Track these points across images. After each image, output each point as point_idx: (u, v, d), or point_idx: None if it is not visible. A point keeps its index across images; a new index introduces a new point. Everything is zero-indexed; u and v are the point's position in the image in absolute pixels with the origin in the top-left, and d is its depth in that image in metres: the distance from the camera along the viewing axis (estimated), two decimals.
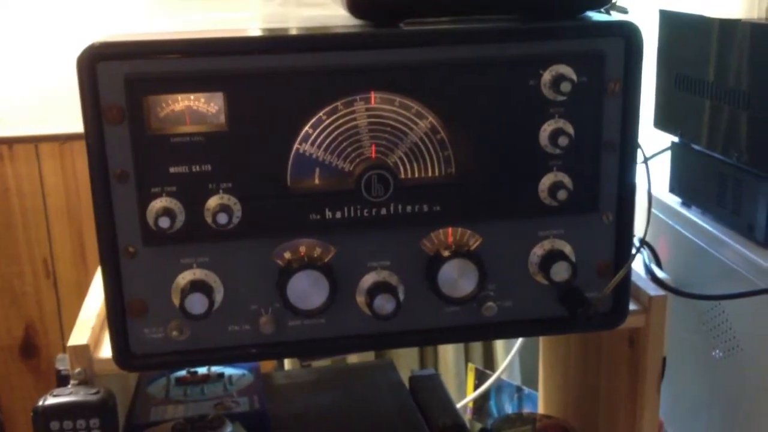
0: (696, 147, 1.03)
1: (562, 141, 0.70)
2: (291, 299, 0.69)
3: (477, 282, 0.71)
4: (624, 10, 0.78)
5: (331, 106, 0.68)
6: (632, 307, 0.80)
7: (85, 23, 1.49)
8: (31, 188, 1.57)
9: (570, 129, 0.70)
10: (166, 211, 0.67)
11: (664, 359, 0.84)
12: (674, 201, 1.08)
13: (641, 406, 0.84)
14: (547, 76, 0.69)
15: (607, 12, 0.76)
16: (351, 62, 0.68)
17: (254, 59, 0.67)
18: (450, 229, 0.72)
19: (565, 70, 0.69)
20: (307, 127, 0.68)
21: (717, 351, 0.98)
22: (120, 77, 0.65)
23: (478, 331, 0.76)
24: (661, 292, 0.82)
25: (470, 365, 1.55)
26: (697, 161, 1.03)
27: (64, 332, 1.61)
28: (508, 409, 1.43)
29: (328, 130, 0.68)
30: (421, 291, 0.73)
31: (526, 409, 1.41)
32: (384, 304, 0.70)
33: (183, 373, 0.99)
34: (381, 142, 0.69)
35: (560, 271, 0.72)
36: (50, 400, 0.70)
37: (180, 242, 0.69)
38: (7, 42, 1.52)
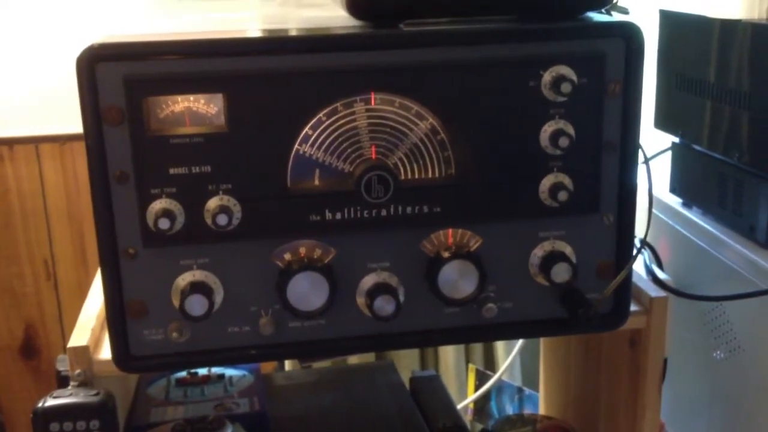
0: (697, 147, 1.03)
1: (563, 142, 0.69)
2: (291, 300, 0.69)
3: (477, 283, 0.71)
4: (625, 11, 0.78)
5: (331, 107, 0.68)
6: (633, 308, 0.79)
7: (86, 23, 1.49)
8: (31, 189, 1.57)
9: (570, 130, 0.70)
10: (166, 213, 0.67)
11: (666, 360, 0.84)
12: (675, 201, 1.08)
13: (642, 407, 0.84)
14: (547, 76, 0.69)
15: (608, 12, 0.76)
16: (351, 63, 0.67)
17: (254, 60, 0.66)
18: (450, 230, 0.72)
19: (566, 70, 0.69)
20: (307, 128, 0.68)
21: (718, 352, 0.98)
22: (119, 78, 0.64)
23: (478, 332, 0.76)
24: (662, 293, 0.82)
25: (471, 366, 1.54)
26: (698, 162, 1.03)
27: (65, 333, 1.61)
28: (509, 410, 1.43)
29: (328, 131, 0.68)
30: (421, 292, 0.72)
31: (527, 410, 1.41)
32: (384, 305, 0.70)
33: (183, 374, 0.99)
34: (381, 143, 0.69)
35: (561, 272, 0.72)
36: (50, 402, 0.70)
37: (180, 243, 0.69)
38: (7, 42, 1.53)
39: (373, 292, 0.70)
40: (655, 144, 1.12)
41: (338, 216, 0.70)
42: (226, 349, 0.72)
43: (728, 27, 0.94)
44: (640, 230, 0.78)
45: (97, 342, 0.77)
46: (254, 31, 0.75)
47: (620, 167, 0.73)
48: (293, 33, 0.72)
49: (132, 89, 0.65)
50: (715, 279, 0.97)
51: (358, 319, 0.72)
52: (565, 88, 0.68)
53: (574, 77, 0.69)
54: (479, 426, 1.43)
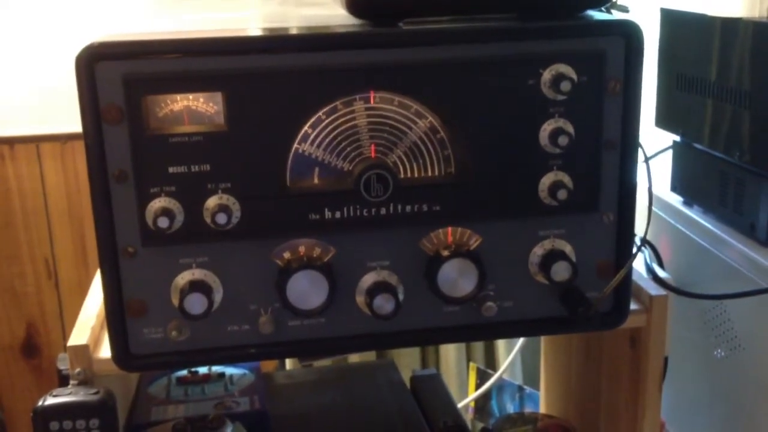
0: (697, 146, 1.03)
1: (562, 140, 0.69)
2: (290, 299, 0.69)
3: (477, 282, 0.71)
4: (625, 9, 0.78)
5: (330, 106, 0.68)
6: (633, 306, 0.79)
7: (86, 23, 1.49)
8: (32, 188, 1.57)
9: (570, 128, 0.70)
10: (165, 211, 0.67)
11: (666, 359, 0.84)
12: (676, 200, 1.08)
13: (643, 405, 0.84)
14: (547, 75, 0.69)
15: (608, 11, 0.76)
16: (350, 62, 0.67)
17: (253, 59, 0.66)
18: (450, 229, 0.72)
19: (565, 69, 0.69)
20: (306, 127, 0.68)
21: (719, 350, 0.98)
22: (118, 77, 0.65)
23: (478, 330, 0.76)
24: (662, 291, 0.82)
25: (472, 365, 1.54)
26: (699, 160, 1.03)
27: (66, 332, 1.61)
28: (510, 408, 1.43)
29: (328, 129, 0.68)
30: (420, 291, 0.72)
31: (528, 409, 1.41)
32: (383, 303, 0.70)
33: (184, 373, 0.99)
34: (380, 142, 0.69)
35: (560, 271, 0.72)
36: (50, 401, 0.70)
37: (179, 242, 0.69)
38: (7, 42, 1.53)
39: (373, 291, 0.70)
40: (656, 143, 1.12)
41: (337, 215, 0.70)
42: (225, 348, 0.72)
43: (729, 26, 0.94)
44: (640, 229, 0.78)
45: (97, 341, 0.77)
46: (253, 29, 0.75)
47: (620, 166, 0.72)
48: (292, 32, 0.72)
49: (131, 88, 0.65)
50: (715, 277, 0.97)
51: (358, 318, 0.72)
52: (565, 86, 0.68)
53: (574, 76, 0.69)
54: (480, 424, 1.43)
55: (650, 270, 0.90)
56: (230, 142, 0.67)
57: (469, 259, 0.71)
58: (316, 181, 0.69)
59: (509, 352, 1.54)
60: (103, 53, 0.64)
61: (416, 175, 0.70)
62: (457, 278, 0.71)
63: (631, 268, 0.75)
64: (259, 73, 0.66)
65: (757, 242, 0.92)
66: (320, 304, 0.70)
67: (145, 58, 0.65)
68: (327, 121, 0.68)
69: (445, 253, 0.71)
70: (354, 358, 1.49)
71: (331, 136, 0.68)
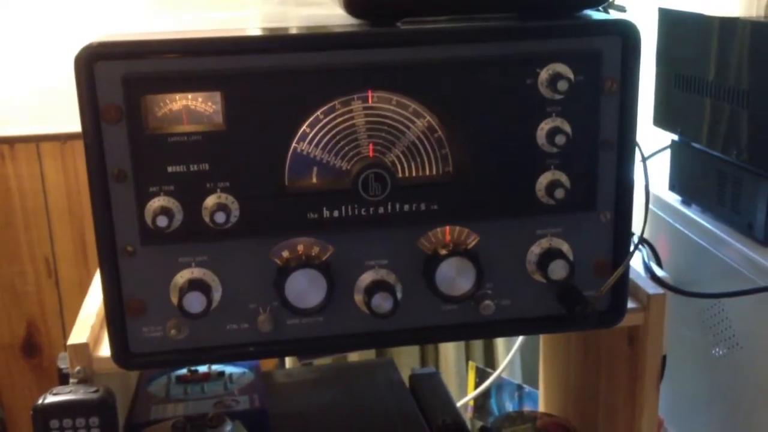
0: (696, 145, 1.03)
1: (560, 140, 0.70)
2: (289, 298, 0.70)
3: (474, 280, 0.72)
4: (622, 9, 0.78)
5: (328, 105, 0.68)
6: (631, 305, 0.80)
7: (87, 22, 1.49)
8: (32, 188, 1.57)
9: (567, 128, 0.70)
10: (164, 210, 0.67)
11: (664, 357, 0.84)
12: (674, 199, 1.08)
13: (640, 404, 0.84)
14: (544, 74, 0.69)
15: (605, 10, 0.76)
16: (348, 61, 0.68)
17: (252, 58, 0.67)
18: (447, 228, 0.72)
19: (562, 68, 0.69)
20: (304, 126, 0.68)
21: (717, 349, 0.98)
22: (117, 77, 0.65)
23: (475, 329, 0.76)
24: (659, 290, 0.82)
25: (471, 363, 1.54)
26: (697, 159, 1.03)
27: (66, 331, 1.62)
28: (509, 407, 1.43)
29: (326, 129, 0.69)
30: (418, 289, 0.73)
31: (527, 408, 1.41)
32: (382, 302, 0.70)
33: (183, 371, 0.99)
34: (378, 141, 0.69)
35: (558, 270, 0.72)
36: (50, 399, 0.70)
37: (178, 241, 0.69)
38: (7, 42, 1.53)
39: (371, 290, 0.71)
40: (655, 142, 1.12)
41: (336, 214, 0.70)
42: (224, 346, 0.72)
43: (727, 25, 0.94)
44: (638, 228, 0.78)
45: (96, 339, 0.77)
46: (252, 29, 0.75)
47: (617, 165, 0.73)
48: (291, 31, 0.72)
49: (130, 87, 0.65)
50: (714, 276, 0.97)
51: (356, 317, 0.73)
52: (562, 85, 0.68)
53: (571, 75, 0.69)
54: (479, 423, 1.43)
55: (648, 269, 0.91)
56: (229, 142, 0.67)
57: (466, 258, 0.71)
58: (314, 180, 0.70)
59: (508, 351, 1.54)
60: (102, 53, 0.64)
61: (414, 174, 0.71)
62: (455, 277, 0.71)
63: (628, 267, 0.75)
64: (258, 73, 0.67)
65: (755, 241, 0.92)
66: (318, 303, 0.70)
67: (144, 58, 0.65)
68: (325, 121, 0.68)
69: (443, 251, 0.71)
70: (353, 356, 1.50)
71: (330, 135, 0.69)
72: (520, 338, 1.29)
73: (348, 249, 0.71)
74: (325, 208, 0.70)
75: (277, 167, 0.69)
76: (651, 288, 0.82)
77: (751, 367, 0.91)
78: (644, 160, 0.76)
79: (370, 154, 0.70)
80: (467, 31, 0.69)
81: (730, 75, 0.93)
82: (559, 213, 0.73)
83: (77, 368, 0.74)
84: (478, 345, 1.71)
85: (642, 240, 0.84)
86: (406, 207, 0.71)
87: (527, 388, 1.44)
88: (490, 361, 1.71)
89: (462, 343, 1.67)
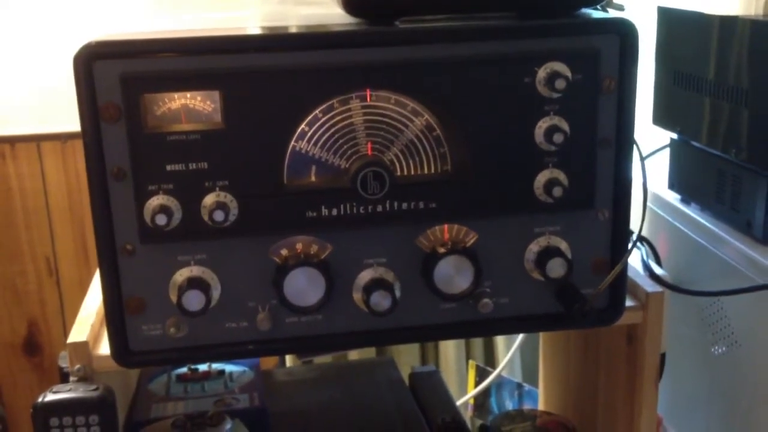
0: (695, 144, 1.03)
1: (558, 138, 0.70)
2: (288, 296, 0.70)
3: (473, 279, 0.72)
4: (620, 8, 0.79)
5: (326, 104, 0.68)
6: (630, 303, 0.80)
7: (87, 22, 1.49)
8: (33, 187, 1.58)
9: (565, 126, 0.70)
10: (163, 209, 0.67)
11: (663, 356, 0.84)
12: (674, 198, 1.08)
13: (639, 402, 0.84)
14: (542, 73, 0.69)
15: (604, 9, 0.76)
16: (347, 60, 0.68)
17: (250, 57, 0.67)
18: (446, 226, 0.72)
19: (560, 67, 0.69)
20: (303, 125, 0.68)
21: (716, 347, 0.98)
22: (116, 76, 0.65)
23: (474, 327, 0.76)
24: (658, 288, 0.82)
25: (471, 362, 1.55)
26: (697, 158, 1.03)
27: (67, 330, 1.62)
28: (509, 405, 1.43)
29: (324, 127, 0.69)
30: (417, 288, 0.73)
31: (527, 406, 1.41)
32: (380, 300, 0.70)
33: (184, 370, 1.00)
34: (377, 140, 0.70)
35: (556, 268, 0.73)
36: (49, 397, 0.71)
37: (177, 240, 0.69)
38: (8, 41, 1.53)
39: (370, 288, 0.71)
40: (654, 140, 1.12)
41: (334, 212, 0.70)
42: (223, 344, 0.73)
43: (727, 24, 0.94)
44: (637, 226, 0.78)
45: (96, 337, 0.77)
46: (251, 28, 0.75)
47: (615, 163, 0.73)
48: (289, 30, 0.73)
49: (129, 86, 0.65)
50: (713, 275, 0.97)
51: (355, 315, 0.73)
52: (560, 84, 0.68)
53: (569, 73, 0.69)
54: (479, 422, 1.43)
55: (647, 267, 0.91)
56: (227, 140, 0.68)
57: (465, 256, 0.71)
58: (313, 178, 0.70)
59: (508, 350, 1.54)
60: (100, 52, 0.65)
61: (412, 172, 0.71)
62: (454, 275, 0.72)
63: (626, 265, 0.76)
64: (256, 72, 0.67)
65: (754, 239, 0.92)
66: (317, 301, 0.70)
67: (142, 57, 0.65)
68: (324, 120, 0.69)
69: (442, 250, 0.71)
70: (353, 355, 1.50)
71: (328, 134, 0.69)
72: (520, 337, 1.29)
73: (347, 247, 0.71)
74: (323, 207, 0.70)
75: (276, 166, 0.69)
76: (650, 286, 0.82)
77: (750, 366, 0.92)
78: (642, 158, 0.76)
79: (369, 152, 0.70)
80: (465, 30, 0.69)
81: (730, 74, 0.94)
82: (558, 211, 0.73)
83: (77, 366, 0.74)
84: (478, 343, 1.71)
85: (640, 238, 0.84)
86: (405, 205, 0.71)
87: (527, 386, 1.44)
88: (490, 359, 1.71)
89: (462, 342, 1.68)
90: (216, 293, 0.70)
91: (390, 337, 0.77)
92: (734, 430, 0.96)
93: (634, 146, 0.74)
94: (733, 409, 0.96)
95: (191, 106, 0.67)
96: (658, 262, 0.99)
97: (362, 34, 0.69)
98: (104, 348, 0.75)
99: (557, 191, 0.71)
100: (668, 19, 1.07)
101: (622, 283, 0.76)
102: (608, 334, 0.90)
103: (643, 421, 0.85)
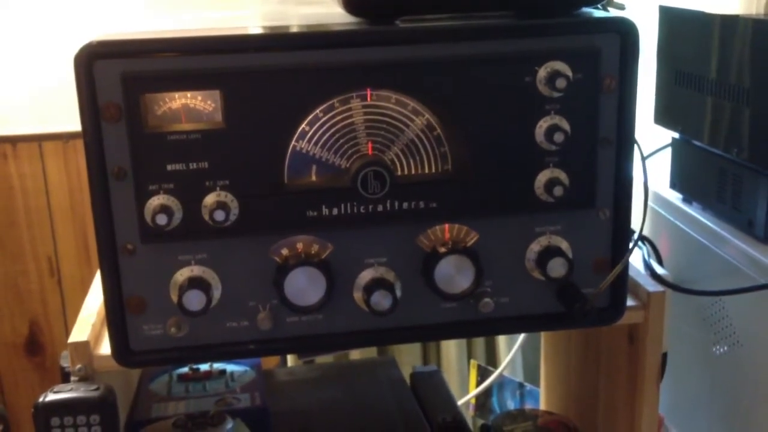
0: (696, 143, 1.03)
1: (558, 137, 0.70)
2: (288, 296, 0.70)
3: (473, 278, 0.72)
4: (621, 7, 0.79)
5: (327, 104, 0.68)
6: (631, 303, 0.80)
7: (88, 21, 1.49)
8: (34, 187, 1.58)
9: (566, 125, 0.70)
10: (164, 209, 0.67)
11: (665, 355, 0.84)
12: (675, 197, 1.08)
13: (641, 401, 0.84)
14: (542, 72, 0.69)
15: (604, 8, 0.76)
16: (347, 59, 0.68)
17: (251, 57, 0.67)
18: (446, 226, 0.72)
19: (561, 66, 0.69)
20: (303, 125, 0.68)
21: (717, 347, 0.98)
22: (117, 75, 0.65)
23: (475, 327, 0.76)
24: (659, 287, 0.82)
25: (473, 362, 1.55)
26: (698, 157, 1.03)
27: (69, 329, 1.61)
28: (511, 405, 1.43)
29: (325, 127, 0.69)
30: (418, 287, 0.73)
31: (528, 406, 1.41)
32: (381, 300, 0.70)
33: (185, 370, 1.00)
34: (377, 139, 0.70)
35: (557, 267, 0.73)
36: (50, 397, 0.71)
37: (178, 239, 0.69)
38: (9, 41, 1.53)
39: (370, 287, 0.71)
40: (655, 140, 1.12)
41: (335, 212, 0.70)
42: (224, 344, 0.73)
43: (728, 23, 0.94)
44: (638, 225, 0.78)
45: (97, 337, 0.77)
46: (251, 28, 0.75)
47: (616, 162, 0.73)
48: (289, 30, 0.73)
49: (129, 86, 0.65)
50: (714, 274, 0.97)
51: (356, 314, 0.73)
52: (560, 83, 0.68)
53: (569, 73, 0.69)
54: (481, 421, 1.43)
55: (648, 266, 0.91)
56: (228, 140, 0.68)
57: (465, 256, 0.71)
58: (313, 178, 0.70)
59: (510, 349, 1.54)
60: (101, 52, 0.65)
61: (413, 172, 0.71)
62: (454, 275, 0.72)
63: (627, 264, 0.75)
64: (257, 71, 0.67)
65: (756, 239, 0.92)
66: (318, 301, 0.70)
67: (143, 57, 0.65)
68: (324, 119, 0.68)
69: (442, 249, 0.71)
70: (355, 354, 1.50)
71: (329, 133, 0.69)
72: (522, 336, 1.29)
73: (347, 247, 0.71)
74: (324, 206, 0.70)
75: (277, 165, 0.69)
76: (651, 286, 0.82)
77: (752, 365, 0.91)
78: (643, 158, 0.76)
79: (369, 152, 0.70)
80: (466, 29, 0.69)
81: (731, 73, 0.93)
82: (558, 211, 0.73)
83: (78, 366, 0.74)
84: (479, 343, 1.71)
85: (642, 237, 0.84)
86: (405, 205, 0.71)
87: (528, 386, 1.44)
88: (492, 359, 1.71)
89: (463, 342, 1.68)
90: (217, 293, 0.70)
91: (391, 337, 0.77)
92: (736, 429, 0.96)
93: (635, 145, 0.73)
94: (735, 408, 0.96)
95: (192, 106, 0.67)
96: (660, 262, 0.99)
97: (363, 33, 0.69)
98: (105, 348, 0.75)
99: (558, 191, 0.71)
100: (669, 18, 1.07)
101: (623, 283, 0.76)
102: (609, 333, 0.89)
103: (645, 421, 0.85)
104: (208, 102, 0.67)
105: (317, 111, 0.68)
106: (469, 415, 1.45)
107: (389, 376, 1.10)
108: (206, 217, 0.68)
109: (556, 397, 1.13)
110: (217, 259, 0.70)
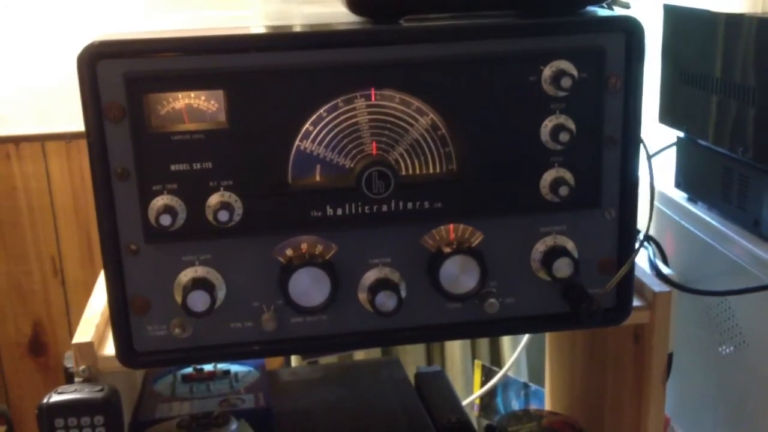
0: (702, 142, 1.03)
1: (563, 137, 0.69)
2: (293, 296, 0.70)
3: (478, 278, 0.71)
4: (626, 5, 0.78)
5: (331, 103, 0.68)
6: (637, 303, 0.79)
7: (91, 21, 1.49)
8: (38, 187, 1.58)
9: (571, 125, 0.70)
10: (168, 209, 0.67)
11: (671, 355, 0.84)
12: (680, 196, 1.08)
13: (647, 402, 0.84)
14: (547, 71, 0.69)
15: (609, 7, 0.76)
16: (351, 59, 0.68)
17: (254, 57, 0.67)
18: (451, 226, 0.72)
19: (566, 65, 0.69)
20: (307, 125, 0.68)
21: (724, 347, 0.98)
22: (120, 75, 0.65)
23: (480, 327, 0.76)
24: (665, 287, 0.82)
25: (477, 362, 1.54)
26: (703, 156, 1.02)
27: (72, 330, 1.61)
28: (515, 405, 1.43)
29: (329, 127, 0.68)
30: (422, 288, 0.72)
31: (533, 406, 1.41)
32: (386, 300, 0.70)
33: (189, 370, 1.00)
34: (382, 139, 0.69)
35: (562, 268, 0.72)
36: (54, 398, 0.71)
37: (182, 240, 0.69)
38: (11, 41, 1.53)
39: (375, 288, 0.71)
40: (661, 139, 1.12)
41: (339, 212, 0.70)
42: (228, 345, 0.72)
43: (733, 21, 0.94)
44: (644, 225, 0.77)
45: (101, 338, 0.77)
46: (255, 27, 0.75)
47: (621, 162, 0.72)
48: (293, 29, 0.72)
49: (133, 86, 0.65)
50: (720, 274, 0.96)
51: (360, 315, 0.72)
52: (566, 82, 0.68)
53: (575, 72, 0.69)
54: (485, 422, 1.43)
55: (654, 266, 0.90)
56: (232, 140, 0.67)
57: (470, 256, 0.71)
58: (317, 178, 0.69)
59: (514, 350, 1.54)
60: (104, 52, 0.65)
61: (418, 172, 0.71)
62: (459, 275, 0.71)
63: (633, 264, 0.75)
64: (260, 71, 0.67)
65: (761, 238, 0.92)
66: (322, 301, 0.70)
67: (146, 57, 0.65)
68: (328, 119, 0.68)
69: (447, 249, 0.71)
70: (359, 355, 1.50)
71: (333, 133, 0.69)
72: (526, 337, 1.29)
73: (351, 247, 0.71)
74: (328, 207, 0.70)
75: (281, 165, 0.69)
76: (657, 286, 0.82)
77: (759, 365, 0.91)
78: (649, 157, 0.75)
79: (374, 151, 0.69)
80: (470, 29, 0.69)
81: (737, 72, 0.93)
82: (564, 210, 0.73)
83: (82, 367, 0.74)
84: (484, 343, 1.70)
85: (647, 237, 0.84)
86: (410, 205, 0.71)
87: (533, 386, 1.44)
88: (496, 359, 1.71)
89: (468, 342, 1.67)
90: (221, 293, 0.70)
91: (396, 338, 0.77)
92: (742, 430, 0.96)
93: (641, 145, 0.73)
94: (741, 409, 0.95)
95: (195, 106, 0.67)
96: (665, 262, 0.99)
97: (367, 33, 0.69)
98: (109, 348, 0.75)
99: (563, 190, 0.71)
100: (674, 16, 1.07)
101: (629, 283, 0.76)
102: (615, 333, 0.89)
103: (651, 422, 0.84)
104: (212, 102, 0.67)
105: (321, 111, 0.68)
106: (473, 415, 1.45)
107: (393, 376, 1.10)
108: (210, 217, 0.68)
109: (561, 397, 1.13)
110: (221, 260, 0.70)
